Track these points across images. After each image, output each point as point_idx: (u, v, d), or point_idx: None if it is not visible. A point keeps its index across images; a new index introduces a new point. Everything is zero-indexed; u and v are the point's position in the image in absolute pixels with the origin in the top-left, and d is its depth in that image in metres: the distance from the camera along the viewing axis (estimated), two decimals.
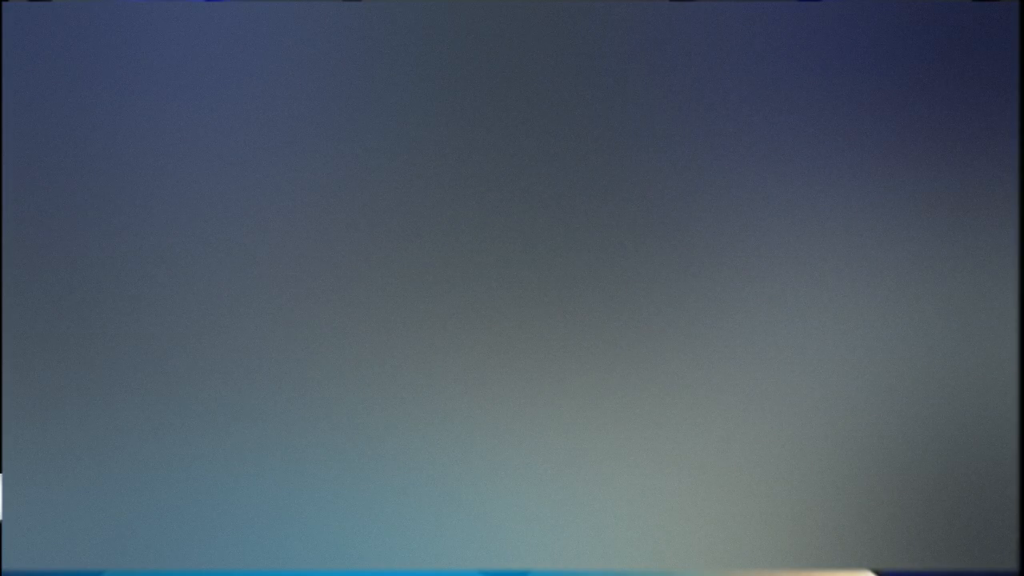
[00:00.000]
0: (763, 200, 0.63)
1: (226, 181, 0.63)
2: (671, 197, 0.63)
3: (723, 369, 0.63)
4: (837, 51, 0.64)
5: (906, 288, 0.64)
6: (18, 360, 0.63)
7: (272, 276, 0.63)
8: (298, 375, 0.63)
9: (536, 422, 0.63)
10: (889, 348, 0.64)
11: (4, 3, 0.64)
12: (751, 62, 0.64)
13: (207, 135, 0.63)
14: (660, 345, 0.63)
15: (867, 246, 0.64)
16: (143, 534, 0.63)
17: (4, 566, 0.63)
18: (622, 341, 0.63)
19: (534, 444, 0.63)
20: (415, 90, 0.63)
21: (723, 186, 0.63)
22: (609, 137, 0.63)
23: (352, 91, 0.63)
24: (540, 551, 0.63)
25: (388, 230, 0.63)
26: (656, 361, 0.63)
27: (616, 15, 0.64)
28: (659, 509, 0.63)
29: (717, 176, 0.63)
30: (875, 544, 0.64)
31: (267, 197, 0.63)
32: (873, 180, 0.64)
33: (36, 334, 0.63)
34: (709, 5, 0.64)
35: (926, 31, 0.64)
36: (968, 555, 0.64)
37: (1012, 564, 0.64)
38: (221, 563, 0.63)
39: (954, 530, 0.64)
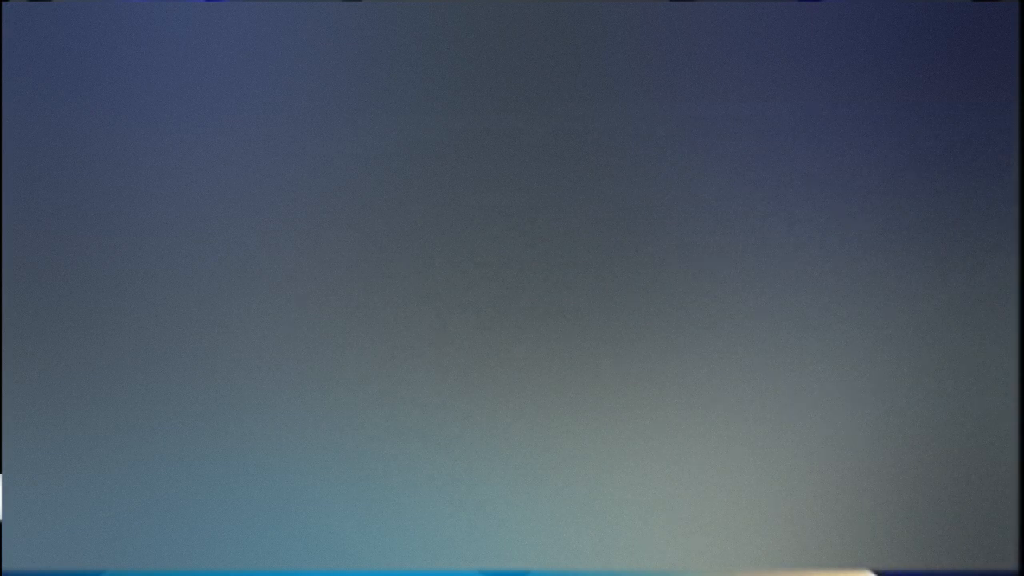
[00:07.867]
0: (763, 200, 0.63)
1: (226, 181, 0.63)
2: (671, 197, 0.63)
3: (723, 369, 0.63)
4: (837, 51, 0.64)
5: (905, 287, 0.64)
6: (18, 360, 0.63)
7: (273, 276, 0.63)
8: (299, 375, 0.63)
9: (536, 422, 0.63)
10: (889, 347, 0.64)
11: (4, 3, 0.64)
12: (751, 62, 0.64)
13: (207, 135, 0.63)
14: (660, 345, 0.63)
15: (867, 246, 0.64)
16: (143, 534, 0.63)
17: (4, 566, 0.63)
18: (622, 341, 0.63)
19: (535, 444, 0.63)
20: (416, 90, 0.63)
21: (723, 186, 0.63)
22: (609, 137, 0.63)
23: (352, 91, 0.63)
24: (540, 551, 0.63)
25: (389, 230, 0.63)
26: (656, 361, 0.63)
27: (616, 15, 0.64)
28: (659, 509, 0.63)
29: (717, 176, 0.63)
30: (875, 544, 0.64)
31: (268, 197, 0.63)
32: (872, 180, 0.64)
33: (36, 334, 0.63)
34: (709, 5, 0.64)
35: (926, 31, 0.64)
36: (968, 555, 0.64)
37: (1012, 564, 0.64)
38: (221, 563, 0.63)
39: (954, 530, 0.64)
